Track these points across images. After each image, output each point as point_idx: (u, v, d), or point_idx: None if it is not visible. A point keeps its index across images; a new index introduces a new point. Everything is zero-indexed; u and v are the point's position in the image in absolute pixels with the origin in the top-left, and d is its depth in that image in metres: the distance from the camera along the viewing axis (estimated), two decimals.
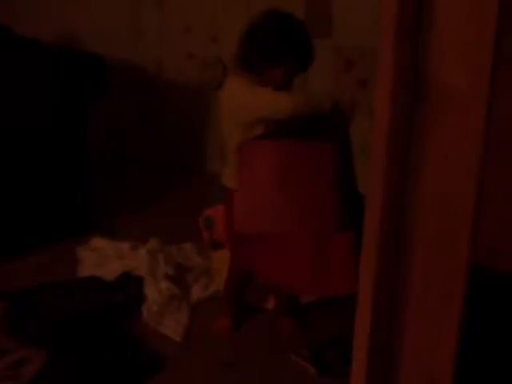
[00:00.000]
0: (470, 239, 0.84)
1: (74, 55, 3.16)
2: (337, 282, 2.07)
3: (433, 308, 0.89)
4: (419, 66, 0.84)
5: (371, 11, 3.14)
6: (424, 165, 0.87)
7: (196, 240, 3.03)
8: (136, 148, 4.25)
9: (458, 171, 0.84)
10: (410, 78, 0.84)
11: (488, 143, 0.82)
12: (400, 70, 0.84)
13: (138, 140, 4.28)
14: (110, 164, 3.94)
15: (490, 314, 1.47)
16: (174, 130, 4.19)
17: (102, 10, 4.21)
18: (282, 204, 2.06)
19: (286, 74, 2.15)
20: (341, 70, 3.54)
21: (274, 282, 2.21)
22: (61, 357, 2.21)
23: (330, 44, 3.48)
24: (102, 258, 2.92)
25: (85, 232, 3.12)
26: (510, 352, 1.46)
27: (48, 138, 3.05)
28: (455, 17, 0.83)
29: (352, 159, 2.18)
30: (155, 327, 2.48)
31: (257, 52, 2.16)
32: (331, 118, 2.13)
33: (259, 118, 2.10)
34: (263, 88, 2.12)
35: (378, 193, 0.84)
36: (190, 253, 2.97)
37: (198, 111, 4.11)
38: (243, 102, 2.13)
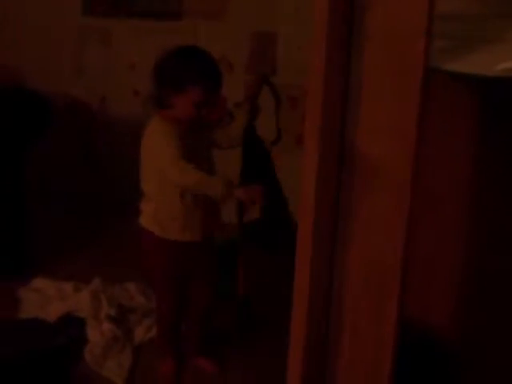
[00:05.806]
0: (398, 304, 0.87)
1: (14, 94, 3.13)
2: None
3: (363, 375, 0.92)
4: (346, 136, 0.88)
5: None
6: (352, 233, 0.90)
7: (139, 279, 3.00)
8: (79, 186, 4.20)
9: (385, 240, 0.87)
10: (337, 148, 0.87)
11: (414, 210, 0.85)
12: (326, 140, 0.86)
13: (82, 178, 4.23)
14: (51, 203, 3.88)
15: (419, 367, 1.51)
16: (118, 167, 4.16)
17: (46, 47, 4.17)
18: None
19: (195, 101, 2.09)
20: (285, 107, 3.58)
21: None
22: None
23: (274, 81, 3.52)
24: (44, 299, 2.87)
25: (26, 273, 3.06)
26: None
27: None
28: (380, 90, 0.87)
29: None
30: (98, 370, 2.45)
31: (161, 83, 2.14)
32: None
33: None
34: (169, 142, 2.09)
35: (306, 267, 0.87)
36: (134, 292, 2.94)
37: None
38: (152, 152, 2.15)
